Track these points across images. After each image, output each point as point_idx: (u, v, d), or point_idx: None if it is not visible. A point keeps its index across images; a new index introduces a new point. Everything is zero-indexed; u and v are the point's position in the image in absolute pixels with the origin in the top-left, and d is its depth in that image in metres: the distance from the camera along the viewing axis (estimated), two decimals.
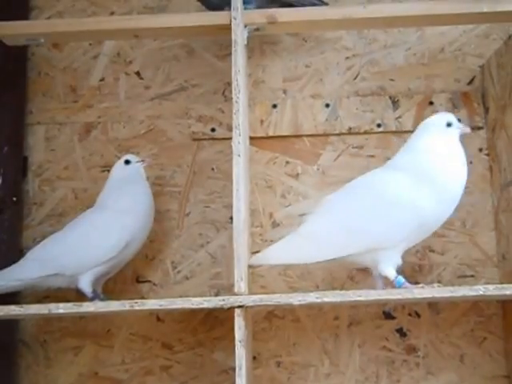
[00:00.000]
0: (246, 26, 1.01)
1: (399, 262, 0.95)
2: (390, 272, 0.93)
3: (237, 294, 0.88)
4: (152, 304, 0.91)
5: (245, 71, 1.00)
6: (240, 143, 0.86)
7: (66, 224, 1.07)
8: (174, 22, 1.02)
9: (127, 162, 1.09)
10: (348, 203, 0.97)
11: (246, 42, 1.01)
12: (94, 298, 1.03)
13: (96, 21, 1.06)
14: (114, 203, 1.05)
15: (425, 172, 0.94)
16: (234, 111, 0.87)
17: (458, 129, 0.99)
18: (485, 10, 1.01)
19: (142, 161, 1.10)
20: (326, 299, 0.84)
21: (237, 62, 0.89)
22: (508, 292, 0.84)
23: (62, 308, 0.92)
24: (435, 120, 1.00)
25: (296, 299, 0.85)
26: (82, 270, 1.02)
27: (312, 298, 0.87)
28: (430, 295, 0.86)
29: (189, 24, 1.01)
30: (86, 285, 1.02)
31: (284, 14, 1.02)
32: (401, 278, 0.93)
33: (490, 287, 0.84)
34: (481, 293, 0.83)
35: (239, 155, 0.86)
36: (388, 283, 0.95)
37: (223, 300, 0.86)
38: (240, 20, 0.91)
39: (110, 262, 1.03)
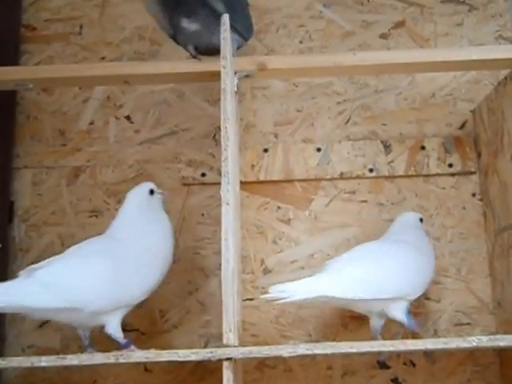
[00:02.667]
0: (235, 73, 1.01)
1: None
2: (404, 317, 0.96)
3: (225, 346, 0.84)
4: (138, 357, 0.87)
5: (234, 118, 0.99)
6: (229, 191, 0.84)
7: None
8: (164, 68, 1.02)
9: (152, 191, 1.00)
10: (384, 253, 1.01)
11: (235, 89, 1.01)
12: (128, 345, 0.91)
13: (86, 67, 1.05)
14: (143, 238, 0.95)
15: None
16: (222, 159, 0.86)
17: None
18: (474, 57, 1.02)
19: (162, 193, 1.02)
20: (316, 351, 0.82)
21: (226, 110, 0.88)
22: (502, 343, 0.81)
23: (44, 361, 0.87)
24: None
25: (286, 351, 0.82)
26: (107, 309, 0.91)
27: (302, 349, 0.84)
28: (423, 347, 0.84)
29: (179, 71, 1.01)
30: (115, 329, 0.91)
31: (274, 61, 1.02)
32: (412, 321, 0.97)
33: (484, 338, 0.82)
34: (474, 344, 0.81)
35: (228, 203, 0.84)
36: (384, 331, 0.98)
37: (211, 352, 0.82)
38: (229, 68, 0.90)
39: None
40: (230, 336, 0.84)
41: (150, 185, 1.01)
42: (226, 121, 0.87)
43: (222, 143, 0.86)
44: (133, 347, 0.92)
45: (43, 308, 0.87)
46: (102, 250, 0.94)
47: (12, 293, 0.86)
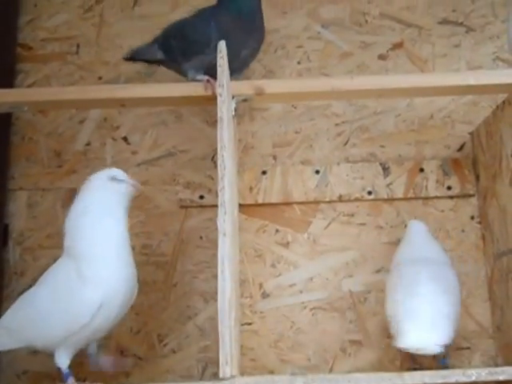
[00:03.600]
0: (233, 97, 1.00)
1: None
2: None
3: (222, 380, 0.83)
4: None
5: (232, 143, 0.98)
6: (226, 221, 0.83)
7: None
8: (161, 92, 1.00)
9: (113, 178, 0.91)
10: None
11: (233, 113, 1.00)
12: (68, 376, 0.89)
13: (81, 90, 1.03)
14: (82, 250, 0.89)
15: None
16: (219, 188, 0.84)
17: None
18: (471, 82, 1.02)
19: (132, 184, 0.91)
20: None
21: (223, 138, 0.87)
22: (501, 377, 0.81)
23: None
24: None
25: (283, 383, 0.82)
26: (52, 344, 0.88)
27: (299, 382, 0.83)
28: (420, 381, 0.83)
29: (176, 94, 1.00)
30: (62, 362, 0.89)
31: (272, 86, 1.01)
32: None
33: (483, 372, 0.82)
34: (473, 378, 0.81)
35: (224, 234, 0.82)
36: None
37: None
38: (226, 96, 0.89)
39: (84, 332, 0.87)
40: (226, 369, 0.82)
41: (113, 171, 0.93)
42: (223, 149, 0.86)
43: (219, 172, 0.85)
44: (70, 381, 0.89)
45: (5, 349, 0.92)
46: (48, 274, 0.92)
47: None
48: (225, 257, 0.83)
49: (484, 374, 0.82)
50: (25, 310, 0.91)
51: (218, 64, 0.90)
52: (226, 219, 0.84)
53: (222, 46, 0.91)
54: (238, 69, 1.05)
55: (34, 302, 0.91)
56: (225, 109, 0.88)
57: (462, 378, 0.82)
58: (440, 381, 0.83)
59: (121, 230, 0.92)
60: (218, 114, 0.88)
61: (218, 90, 0.89)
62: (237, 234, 1.06)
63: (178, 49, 1.04)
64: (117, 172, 0.95)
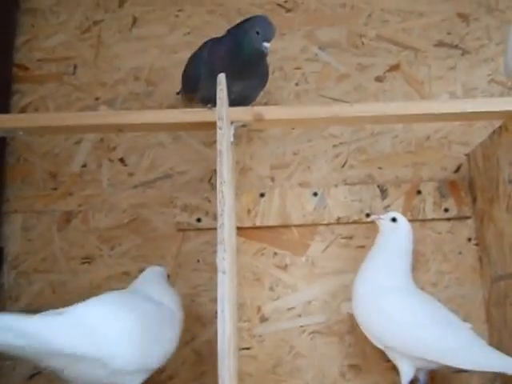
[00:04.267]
0: (232, 123, 0.99)
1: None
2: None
3: None
4: None
5: (230, 167, 0.97)
6: (225, 259, 0.81)
7: None
8: (158, 118, 0.99)
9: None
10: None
11: (232, 140, 0.99)
12: None
13: (78, 116, 1.02)
14: (166, 298, 0.97)
15: None
16: (218, 224, 0.82)
17: None
18: (468, 110, 1.02)
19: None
20: None
21: (222, 173, 0.85)
22: None
23: None
24: None
25: None
26: (129, 369, 0.84)
27: None
28: None
29: (174, 121, 0.99)
30: None
31: (270, 112, 1.00)
32: None
33: None
34: None
35: (224, 272, 0.80)
36: None
37: None
38: (225, 128, 0.88)
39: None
40: None
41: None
42: (223, 184, 0.84)
43: (219, 207, 0.83)
44: None
45: (68, 351, 0.78)
46: (133, 304, 0.90)
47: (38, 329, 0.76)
48: (225, 296, 0.81)
49: None
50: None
51: (217, 96, 0.89)
52: (226, 257, 0.83)
53: (222, 78, 0.90)
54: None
55: None
56: (224, 142, 0.87)
57: None
58: None
59: None
60: (218, 148, 0.86)
61: (218, 123, 0.88)
62: (235, 258, 1.05)
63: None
64: None
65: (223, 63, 0.94)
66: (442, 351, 0.95)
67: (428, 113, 1.01)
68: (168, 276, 1.06)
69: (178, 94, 1.18)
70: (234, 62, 0.95)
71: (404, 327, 0.97)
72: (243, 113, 0.99)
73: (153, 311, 0.91)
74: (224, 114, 0.88)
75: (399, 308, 0.99)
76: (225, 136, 0.87)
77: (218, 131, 0.86)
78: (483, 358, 0.94)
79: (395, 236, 1.06)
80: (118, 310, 0.86)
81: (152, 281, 1.00)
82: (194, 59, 1.05)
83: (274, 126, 1.11)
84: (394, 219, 1.07)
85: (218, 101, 0.88)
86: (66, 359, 0.79)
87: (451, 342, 0.95)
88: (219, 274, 0.79)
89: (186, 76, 1.07)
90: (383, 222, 1.08)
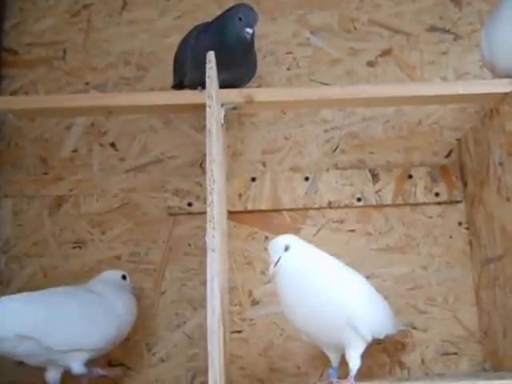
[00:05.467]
0: (222, 105, 0.99)
1: None
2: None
3: None
4: None
5: (221, 150, 0.97)
6: (214, 237, 0.82)
7: None
8: (148, 100, 0.99)
9: (124, 277, 1.06)
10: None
11: (222, 122, 0.99)
12: (92, 369, 0.97)
13: (68, 98, 1.02)
14: (111, 295, 1.01)
15: None
16: (208, 203, 0.83)
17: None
18: (460, 92, 1.03)
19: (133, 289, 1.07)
20: None
21: (212, 151, 0.85)
22: None
23: None
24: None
25: None
26: (64, 348, 0.94)
27: None
28: None
29: (164, 102, 0.99)
30: (79, 368, 0.95)
31: (261, 94, 1.01)
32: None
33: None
34: None
35: (213, 250, 0.81)
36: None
37: None
38: (215, 107, 0.88)
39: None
40: None
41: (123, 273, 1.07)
42: (212, 162, 0.85)
43: (208, 186, 0.84)
44: (96, 370, 0.97)
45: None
46: (73, 292, 0.99)
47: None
48: (214, 273, 0.82)
49: None
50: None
51: (206, 75, 0.89)
52: (215, 235, 0.83)
53: (211, 56, 0.90)
54: None
55: None
56: (214, 120, 0.87)
57: None
58: None
59: None
60: (207, 126, 0.87)
61: (207, 102, 0.88)
62: (225, 242, 1.05)
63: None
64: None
65: (208, 50, 0.95)
66: None
67: (419, 95, 1.02)
68: (124, 277, 1.06)
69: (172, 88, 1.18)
70: (219, 49, 0.95)
71: None
72: (233, 94, 0.99)
73: (90, 300, 0.98)
74: (213, 93, 0.88)
75: None
76: (214, 115, 0.87)
77: (208, 110, 0.86)
78: None
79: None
80: (52, 297, 0.96)
81: (104, 282, 1.04)
82: (181, 45, 1.06)
83: (264, 109, 1.10)
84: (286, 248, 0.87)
85: (207, 79, 0.87)
86: (10, 342, 0.90)
87: None
88: (209, 252, 0.80)
89: (175, 61, 1.08)
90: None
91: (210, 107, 0.86)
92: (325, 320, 0.88)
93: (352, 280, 0.93)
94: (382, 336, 0.96)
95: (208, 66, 0.88)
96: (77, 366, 0.95)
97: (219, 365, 0.80)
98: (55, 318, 0.93)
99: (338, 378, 0.93)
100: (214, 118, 0.87)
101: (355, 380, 0.89)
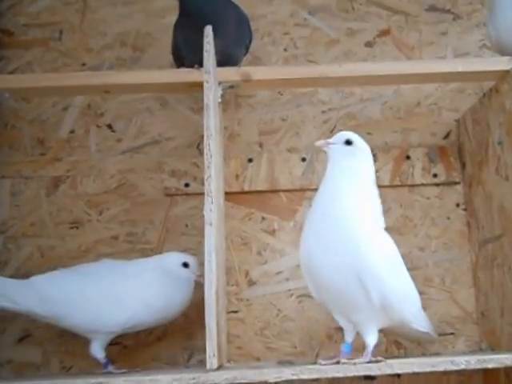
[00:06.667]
0: (220, 84, 0.99)
1: None
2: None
3: (208, 371, 0.82)
4: (117, 382, 0.84)
5: (218, 129, 0.97)
6: (212, 211, 0.82)
7: None
8: (145, 78, 0.99)
9: (186, 264, 1.03)
10: None
11: (219, 100, 0.99)
12: (107, 364, 0.98)
13: (65, 76, 1.02)
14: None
15: None
16: (205, 177, 0.83)
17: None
18: (459, 69, 1.02)
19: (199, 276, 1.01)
20: (302, 376, 0.80)
21: (209, 125, 0.86)
22: (490, 365, 0.81)
23: None
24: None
25: (271, 376, 0.81)
26: (85, 329, 0.97)
27: (287, 374, 0.82)
28: (410, 370, 0.82)
29: (161, 81, 0.99)
30: (96, 350, 0.98)
31: (258, 72, 1.01)
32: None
33: (472, 360, 0.81)
34: (462, 367, 0.81)
35: (211, 224, 0.81)
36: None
37: (193, 379, 0.80)
38: (212, 83, 0.88)
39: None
40: (213, 361, 0.82)
41: (188, 258, 1.03)
42: (210, 138, 0.85)
43: (205, 161, 0.84)
44: (110, 368, 0.97)
45: (29, 311, 0.95)
46: (102, 271, 0.99)
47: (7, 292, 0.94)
48: (212, 247, 0.82)
49: (473, 361, 0.81)
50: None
51: (204, 49, 0.89)
52: (213, 209, 0.83)
53: (209, 30, 0.90)
54: None
55: None
56: (211, 96, 0.87)
57: (450, 367, 0.81)
58: (429, 369, 0.82)
59: None
60: (205, 101, 0.87)
61: (205, 77, 0.88)
62: (223, 222, 1.05)
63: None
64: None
65: (184, 26, 0.95)
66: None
67: (418, 72, 1.01)
68: (185, 265, 1.03)
69: None
70: (189, 19, 0.94)
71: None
72: (231, 73, 0.98)
73: (118, 280, 0.99)
74: (211, 68, 0.88)
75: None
76: (212, 90, 0.87)
77: (205, 85, 0.86)
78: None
79: (351, 162, 0.87)
80: (73, 277, 0.98)
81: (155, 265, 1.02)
82: (173, 31, 1.06)
83: (262, 88, 1.10)
84: (348, 142, 0.88)
85: (204, 54, 0.87)
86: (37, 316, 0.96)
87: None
88: (206, 226, 0.80)
89: (172, 49, 1.07)
90: (334, 147, 0.89)
91: (207, 82, 0.86)
92: (338, 252, 0.82)
93: (386, 241, 0.87)
94: (397, 320, 0.87)
95: (205, 40, 0.87)
96: (95, 349, 0.98)
97: (218, 341, 0.81)
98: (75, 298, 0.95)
99: (350, 358, 0.84)
100: (212, 94, 0.87)
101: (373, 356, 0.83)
